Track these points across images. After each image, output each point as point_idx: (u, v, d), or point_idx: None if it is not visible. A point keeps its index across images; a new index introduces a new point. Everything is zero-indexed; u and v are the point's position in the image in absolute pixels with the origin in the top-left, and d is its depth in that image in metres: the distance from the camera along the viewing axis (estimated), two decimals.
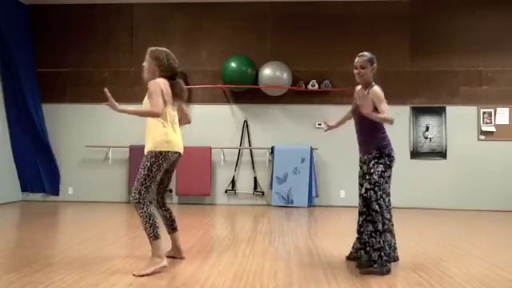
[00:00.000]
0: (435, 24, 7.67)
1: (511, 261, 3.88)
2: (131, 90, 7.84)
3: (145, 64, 3.60)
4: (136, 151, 7.68)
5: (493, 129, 7.53)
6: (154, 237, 3.24)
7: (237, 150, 7.84)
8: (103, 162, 7.84)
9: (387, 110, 3.36)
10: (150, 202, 3.39)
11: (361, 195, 3.42)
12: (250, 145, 7.85)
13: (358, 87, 3.66)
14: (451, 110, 7.61)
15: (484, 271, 3.44)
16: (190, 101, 7.88)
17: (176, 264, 3.55)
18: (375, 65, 3.54)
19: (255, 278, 3.16)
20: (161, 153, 3.32)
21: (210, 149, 7.64)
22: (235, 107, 7.90)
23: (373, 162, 3.45)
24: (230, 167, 7.83)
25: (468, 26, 7.63)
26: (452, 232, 5.41)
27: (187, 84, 7.77)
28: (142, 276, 3.14)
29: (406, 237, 4.82)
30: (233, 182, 7.80)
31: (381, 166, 3.41)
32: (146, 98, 3.49)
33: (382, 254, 3.27)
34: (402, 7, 7.68)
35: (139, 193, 3.27)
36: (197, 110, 7.80)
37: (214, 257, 3.82)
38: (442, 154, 7.60)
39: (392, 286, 3.03)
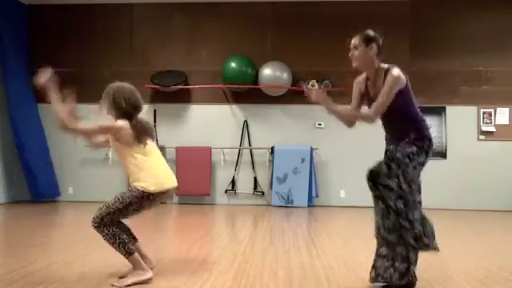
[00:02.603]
0: (435, 24, 7.67)
1: (511, 261, 3.88)
2: None
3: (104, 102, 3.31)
4: None
5: (493, 129, 7.53)
6: (127, 254, 2.98)
7: (237, 150, 7.84)
8: (103, 162, 7.83)
9: (380, 104, 2.81)
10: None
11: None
12: (250, 145, 7.85)
13: (361, 77, 3.09)
14: (451, 110, 7.61)
15: (484, 271, 3.44)
16: (190, 101, 7.89)
17: (176, 264, 3.55)
18: (373, 44, 2.91)
19: (255, 278, 3.16)
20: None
21: (210, 149, 7.65)
22: (235, 107, 7.90)
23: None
24: (230, 167, 7.83)
25: (468, 26, 7.63)
26: (452, 232, 5.41)
27: (187, 84, 7.78)
28: (126, 286, 2.92)
29: None
30: (233, 182, 7.80)
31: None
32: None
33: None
34: (402, 7, 7.68)
35: (101, 218, 3.04)
36: (197, 110, 7.82)
37: (214, 257, 3.81)
38: (442, 153, 7.60)
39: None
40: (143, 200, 3.02)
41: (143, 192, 2.99)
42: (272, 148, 7.66)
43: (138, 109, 3.21)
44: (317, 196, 7.56)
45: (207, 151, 7.65)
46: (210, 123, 7.77)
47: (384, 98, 2.82)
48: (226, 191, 7.78)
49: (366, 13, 7.65)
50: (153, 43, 7.93)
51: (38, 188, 7.54)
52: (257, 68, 7.56)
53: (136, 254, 3.03)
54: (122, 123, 3.09)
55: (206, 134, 7.71)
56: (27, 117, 7.70)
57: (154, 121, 7.78)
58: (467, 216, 6.75)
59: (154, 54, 7.90)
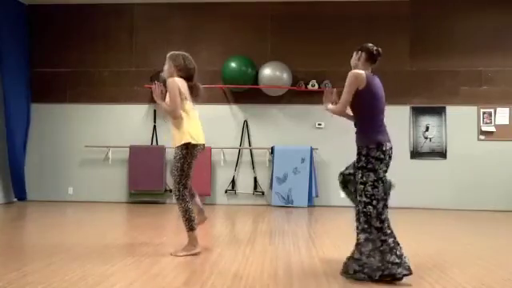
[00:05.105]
0: (435, 24, 7.67)
1: (511, 261, 3.88)
2: (131, 90, 7.85)
3: (165, 67, 3.93)
4: (136, 151, 7.69)
5: (493, 129, 7.53)
6: (189, 228, 3.77)
7: (237, 150, 7.84)
8: (103, 162, 7.83)
9: (342, 100, 3.21)
10: (187, 195, 3.80)
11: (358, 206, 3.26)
12: (250, 145, 7.85)
13: None
14: (451, 110, 7.61)
15: (484, 271, 3.44)
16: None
17: (176, 264, 3.55)
18: (361, 52, 3.34)
19: (255, 278, 3.16)
20: (188, 145, 3.75)
21: (210, 149, 7.63)
22: (235, 107, 7.90)
23: (359, 171, 3.21)
24: (230, 167, 7.82)
25: (468, 26, 7.63)
26: (452, 232, 5.41)
27: None
28: (178, 256, 3.70)
29: (406, 237, 4.81)
30: (233, 182, 7.79)
31: (359, 171, 3.19)
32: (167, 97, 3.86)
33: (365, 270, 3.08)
34: (402, 7, 7.68)
35: (178, 190, 3.75)
36: (197, 110, 7.81)
37: (214, 257, 3.82)
38: (442, 153, 7.60)
39: (391, 285, 3.03)
40: (187, 156, 3.76)
41: (186, 145, 3.74)
42: (272, 148, 7.66)
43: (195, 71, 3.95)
44: (317, 196, 7.56)
45: (207, 151, 7.63)
46: (209, 123, 7.70)
47: (343, 94, 3.22)
48: (226, 191, 7.78)
49: (365, 13, 7.66)
50: (153, 43, 7.92)
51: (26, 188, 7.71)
52: (257, 68, 7.56)
53: (195, 232, 3.78)
54: (179, 79, 3.79)
55: (205, 134, 7.66)
56: (25, 117, 7.69)
57: (154, 121, 7.78)
58: (467, 216, 6.74)
59: (153, 54, 7.88)
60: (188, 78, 3.86)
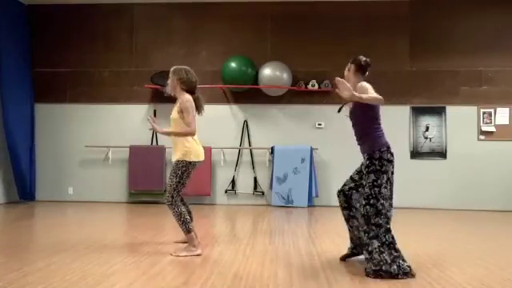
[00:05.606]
0: (435, 24, 7.67)
1: (511, 261, 3.88)
2: (131, 90, 7.85)
3: (168, 81, 4.10)
4: (136, 151, 7.69)
5: (493, 129, 7.53)
6: (186, 231, 3.85)
7: (237, 150, 7.84)
8: (103, 162, 7.83)
9: (374, 94, 3.21)
10: (181, 201, 3.97)
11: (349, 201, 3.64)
12: (250, 145, 7.85)
13: None
14: (451, 110, 7.61)
15: (484, 271, 3.44)
16: None
17: (176, 264, 3.55)
18: (350, 64, 3.53)
19: (255, 278, 3.16)
20: (190, 162, 3.88)
21: (210, 149, 7.64)
22: (235, 107, 7.90)
23: (365, 172, 3.36)
24: (230, 167, 7.82)
25: (468, 26, 7.63)
26: (452, 232, 5.41)
27: None
28: (178, 257, 3.75)
29: (406, 237, 4.81)
30: (233, 182, 7.80)
31: (371, 175, 3.30)
32: (174, 112, 4.02)
33: (400, 262, 3.18)
34: (402, 7, 7.67)
35: (172, 196, 3.83)
36: None
37: (214, 257, 3.82)
38: (442, 153, 7.60)
39: (391, 285, 3.03)
40: (189, 167, 3.88)
41: (189, 162, 3.85)
42: (272, 148, 7.66)
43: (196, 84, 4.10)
44: (317, 196, 7.56)
45: (207, 151, 7.62)
46: (209, 123, 7.74)
47: (372, 92, 3.25)
48: (226, 191, 7.78)
49: (365, 13, 7.65)
50: (153, 43, 7.93)
51: (27, 188, 7.65)
52: (257, 68, 7.56)
53: (193, 233, 3.87)
54: (189, 96, 3.93)
55: (205, 134, 7.66)
56: (24, 117, 7.68)
57: (154, 121, 7.78)
58: (467, 216, 6.75)
59: (154, 54, 7.90)
60: (190, 90, 4.00)
